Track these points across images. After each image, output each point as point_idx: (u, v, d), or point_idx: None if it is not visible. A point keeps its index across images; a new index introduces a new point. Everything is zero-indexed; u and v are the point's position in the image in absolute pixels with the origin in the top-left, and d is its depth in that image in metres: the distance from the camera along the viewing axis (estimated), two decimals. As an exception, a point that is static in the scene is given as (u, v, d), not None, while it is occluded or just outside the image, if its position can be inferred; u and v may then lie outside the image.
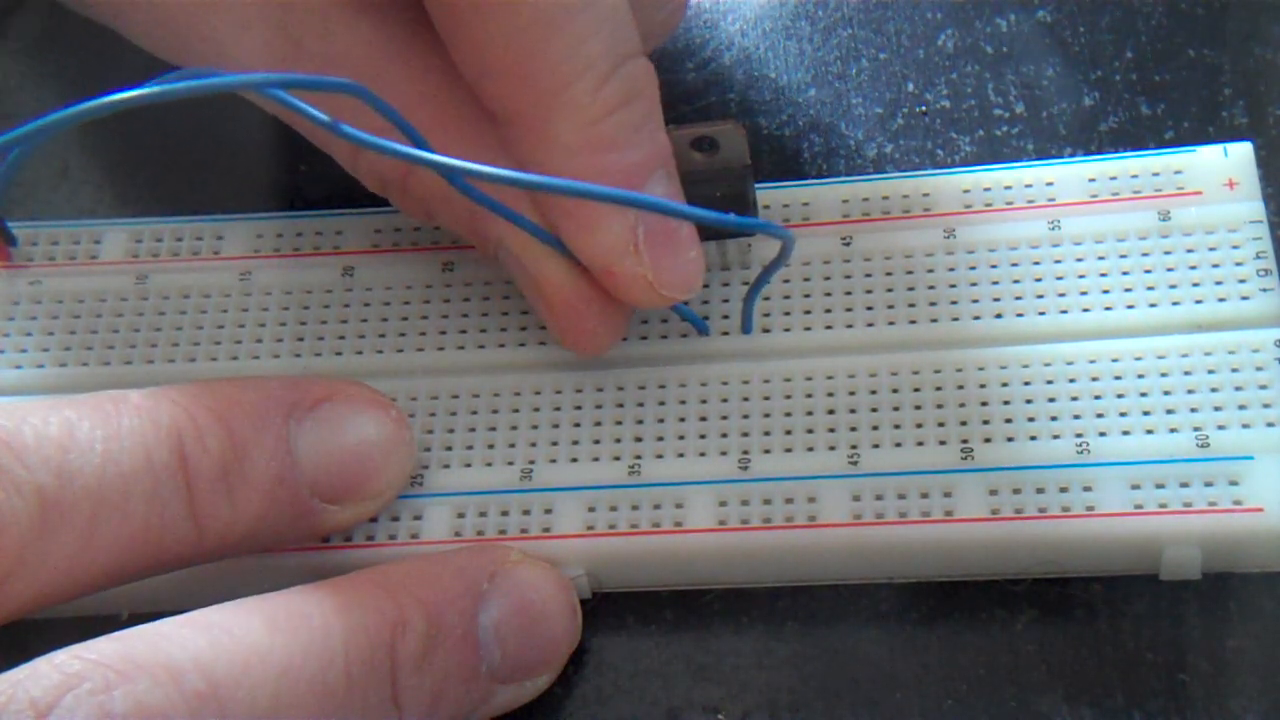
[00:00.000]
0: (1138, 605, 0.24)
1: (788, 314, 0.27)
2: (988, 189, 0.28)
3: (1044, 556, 0.24)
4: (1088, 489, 0.24)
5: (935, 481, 0.25)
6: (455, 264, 0.28)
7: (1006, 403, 0.25)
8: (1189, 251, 0.26)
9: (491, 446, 0.26)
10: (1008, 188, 0.28)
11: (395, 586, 0.23)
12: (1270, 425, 0.24)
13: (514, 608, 0.24)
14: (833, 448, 0.25)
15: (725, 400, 0.26)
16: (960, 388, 0.26)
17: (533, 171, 0.24)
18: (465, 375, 0.27)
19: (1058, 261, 0.27)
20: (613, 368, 0.27)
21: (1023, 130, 0.30)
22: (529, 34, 0.24)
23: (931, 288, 0.27)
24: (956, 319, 0.26)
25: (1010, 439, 0.25)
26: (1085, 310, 0.26)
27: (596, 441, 0.26)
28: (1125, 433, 0.25)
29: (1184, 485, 0.24)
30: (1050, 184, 0.27)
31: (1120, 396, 0.25)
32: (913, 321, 0.26)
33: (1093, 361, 0.25)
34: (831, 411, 0.26)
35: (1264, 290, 0.26)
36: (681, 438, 0.26)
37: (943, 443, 0.25)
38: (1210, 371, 0.25)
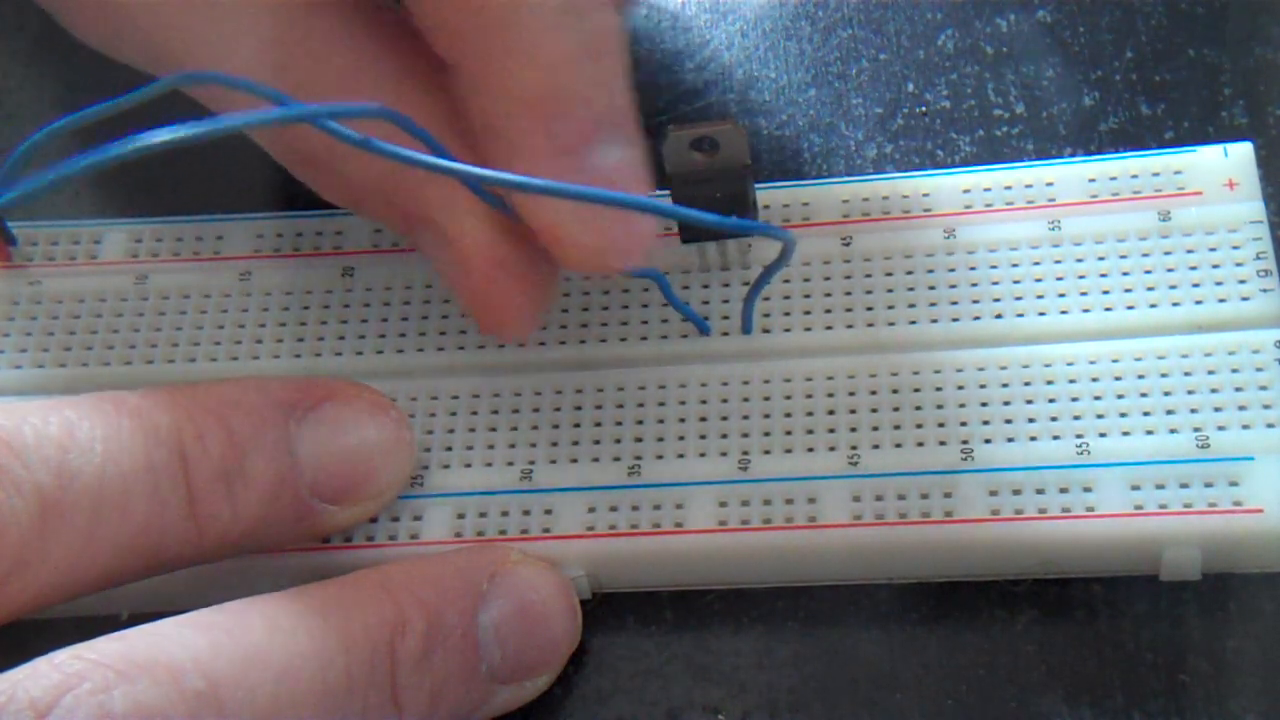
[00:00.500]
0: (1138, 605, 0.24)
1: (788, 314, 0.27)
2: (988, 189, 0.28)
3: (1044, 557, 0.24)
4: (1088, 489, 0.24)
5: (935, 481, 0.25)
6: (455, 264, 0.28)
7: (1006, 403, 0.25)
8: (1189, 252, 0.26)
9: (491, 446, 0.26)
10: (1008, 188, 0.28)
11: (395, 587, 0.23)
12: (1270, 426, 0.24)
13: (514, 608, 0.24)
14: (833, 448, 0.25)
15: (725, 400, 0.26)
16: (960, 388, 0.26)
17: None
18: (465, 375, 0.27)
19: (1058, 261, 0.27)
20: (613, 368, 0.27)
21: (1023, 130, 0.30)
22: None
23: (931, 288, 0.27)
24: (956, 319, 0.26)
25: (1010, 439, 0.25)
26: (1085, 310, 0.26)
27: (596, 441, 0.26)
28: (1125, 433, 0.25)
29: (1184, 486, 0.24)
30: (1050, 184, 0.27)
31: (1120, 397, 0.25)
32: (913, 321, 0.26)
33: (1093, 362, 0.25)
34: (831, 412, 0.26)
35: (1264, 290, 0.26)
36: (681, 438, 0.26)
37: (943, 443, 0.25)
38: (1210, 372, 0.25)
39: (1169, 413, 0.25)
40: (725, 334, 0.27)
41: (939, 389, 0.26)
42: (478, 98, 0.23)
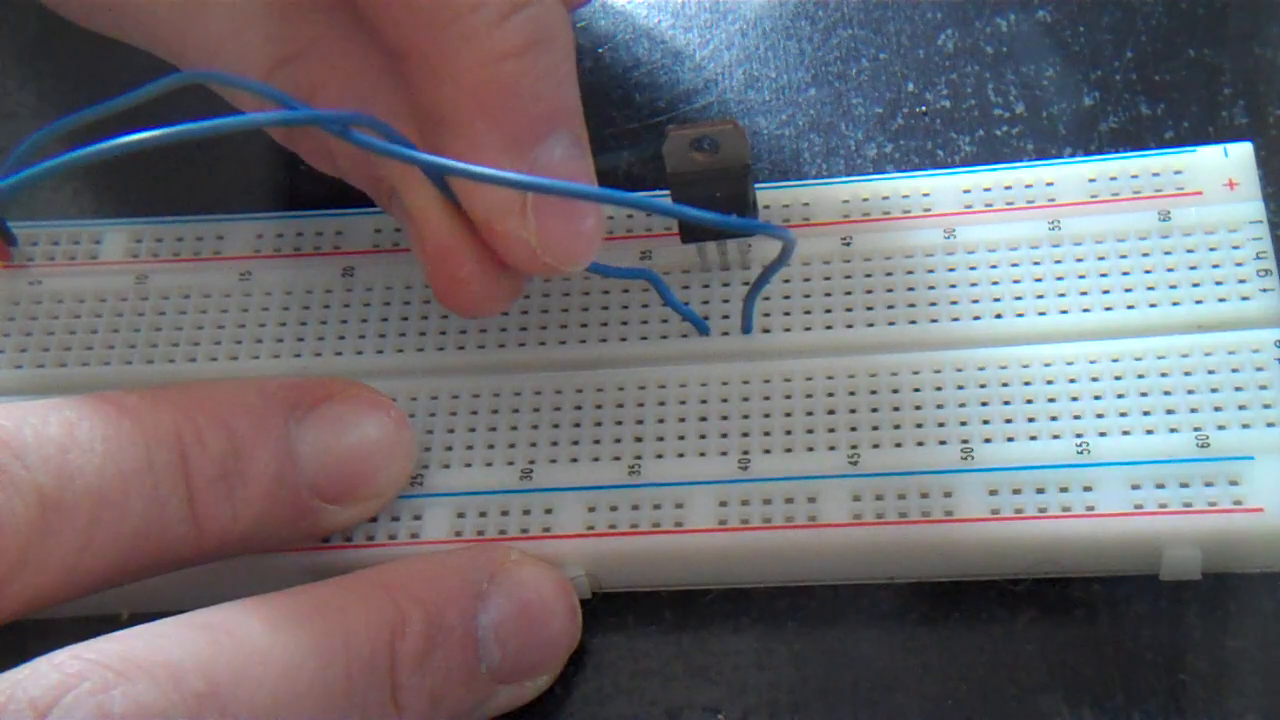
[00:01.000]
0: (1138, 605, 0.24)
1: (788, 314, 0.27)
2: (988, 189, 0.28)
3: (1044, 556, 0.24)
4: (1088, 489, 0.24)
5: (935, 481, 0.25)
6: (455, 264, 0.28)
7: (1006, 403, 0.25)
8: (1189, 252, 0.26)
9: (491, 446, 0.26)
10: (1008, 188, 0.28)
11: (395, 586, 0.23)
12: (1270, 425, 0.24)
13: (514, 608, 0.24)
14: (833, 448, 0.25)
15: (725, 400, 0.26)
16: (960, 388, 0.26)
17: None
18: (465, 375, 0.27)
19: (1058, 261, 0.27)
20: (613, 368, 0.27)
21: (1023, 130, 0.30)
22: None
23: (931, 288, 0.27)
24: (956, 319, 0.26)
25: (1010, 439, 0.25)
26: (1085, 310, 0.26)
27: (596, 441, 0.26)
28: (1125, 433, 0.25)
29: (1184, 485, 0.24)
30: (1050, 184, 0.27)
31: (1120, 396, 0.25)
32: (913, 321, 0.26)
33: (1093, 361, 0.25)
34: (831, 411, 0.26)
35: (1264, 290, 0.26)
36: (681, 438, 0.26)
37: (943, 443, 0.25)
38: (1210, 371, 0.25)
39: (1169, 412, 0.25)
40: (725, 334, 0.27)
41: (939, 389, 0.26)
42: (426, 89, 0.24)
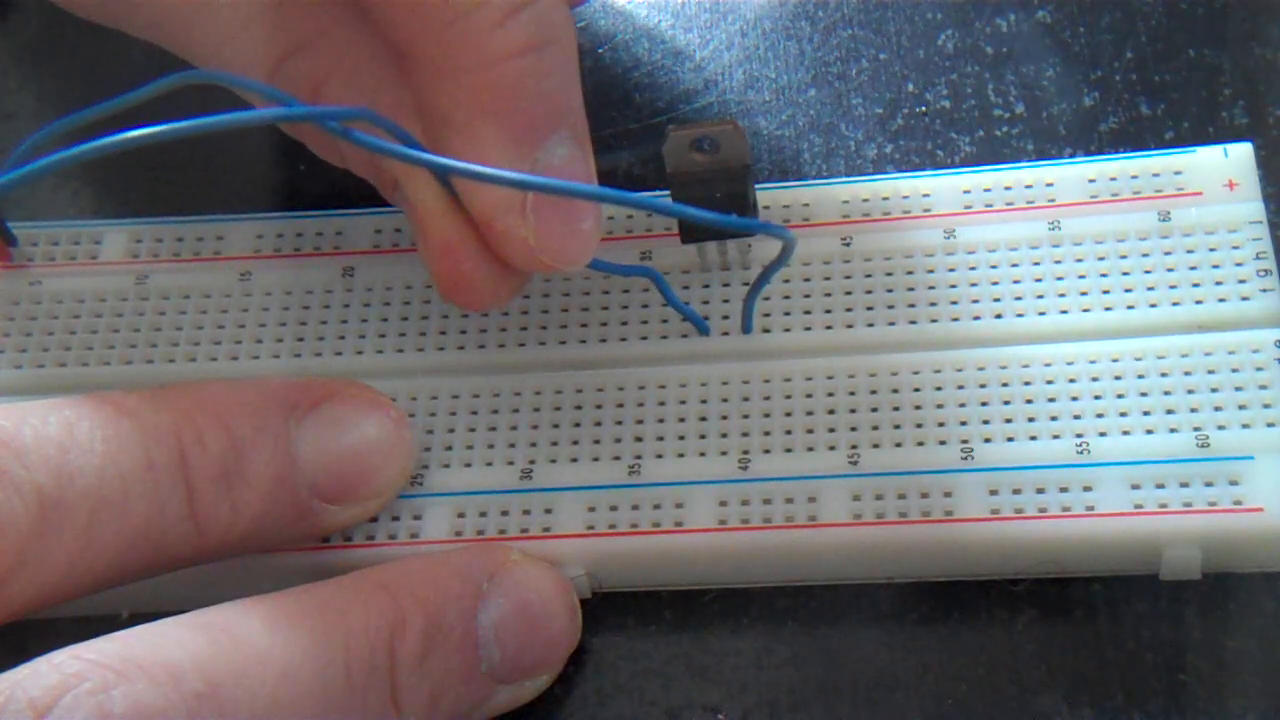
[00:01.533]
0: (1138, 605, 0.24)
1: (788, 314, 0.27)
2: (988, 189, 0.28)
3: (1044, 556, 0.24)
4: (1088, 489, 0.24)
5: (935, 481, 0.25)
6: (455, 264, 0.28)
7: (1006, 403, 0.25)
8: (1189, 252, 0.26)
9: (491, 446, 0.26)
10: (1008, 188, 0.28)
11: (395, 586, 0.23)
12: (1270, 425, 0.24)
13: (514, 608, 0.24)
14: (833, 448, 0.25)
15: (725, 400, 0.26)
16: (960, 388, 0.26)
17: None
18: (465, 375, 0.27)
19: (1058, 262, 0.27)
20: (613, 368, 0.27)
21: (1023, 130, 0.30)
22: None
23: (931, 288, 0.27)
24: (956, 319, 0.26)
25: (1010, 439, 0.25)
26: (1085, 310, 0.26)
27: (596, 441, 0.26)
28: (1125, 433, 0.25)
29: (1184, 485, 0.24)
30: (1050, 184, 0.27)
31: (1120, 396, 0.25)
32: (913, 321, 0.26)
33: (1093, 361, 0.25)
34: (831, 411, 0.26)
35: (1264, 290, 0.26)
36: (681, 438, 0.26)
37: (943, 443, 0.25)
38: (1210, 371, 0.25)
39: (1169, 412, 0.25)
40: (725, 334, 0.27)
41: (939, 389, 0.26)
42: (429, 88, 0.24)
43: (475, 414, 0.27)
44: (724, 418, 0.26)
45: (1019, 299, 0.26)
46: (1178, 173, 0.27)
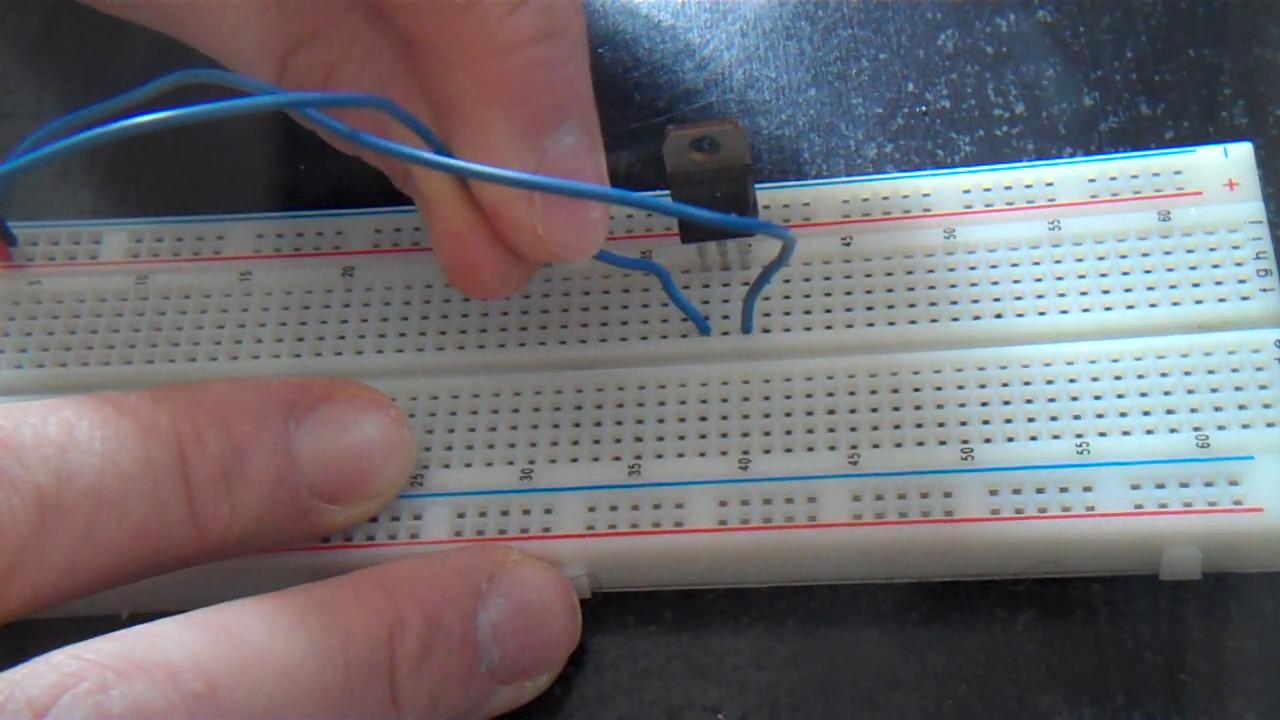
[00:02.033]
0: (1138, 605, 0.24)
1: (788, 314, 0.27)
2: (988, 189, 0.28)
3: (1044, 556, 0.24)
4: (1088, 489, 0.24)
5: (935, 481, 0.25)
6: (455, 264, 0.28)
7: (1006, 403, 0.25)
8: (1189, 252, 0.26)
9: (491, 446, 0.26)
10: (1008, 188, 0.28)
11: (394, 586, 0.23)
12: (1270, 425, 0.24)
13: (513, 608, 0.24)
14: (833, 448, 0.25)
15: (725, 400, 0.26)
16: (960, 388, 0.26)
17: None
18: (465, 375, 0.27)
19: (1058, 261, 0.27)
20: (613, 368, 0.27)
21: (1023, 130, 0.30)
22: None
23: (931, 288, 0.27)
24: (956, 319, 0.26)
25: (1010, 439, 0.25)
26: (1085, 310, 0.26)
27: (596, 441, 0.26)
28: (1125, 433, 0.25)
29: (1184, 485, 0.24)
30: (1050, 184, 0.27)
31: (1120, 396, 0.25)
32: (913, 321, 0.26)
33: (1093, 361, 0.25)
34: (831, 411, 0.26)
35: (1264, 290, 0.26)
36: (681, 438, 0.26)
37: (943, 443, 0.25)
38: (1210, 371, 0.25)
39: (1169, 412, 0.25)
40: (725, 334, 0.27)
41: (939, 389, 0.26)
42: (438, 77, 0.24)
43: (475, 414, 0.27)
44: (724, 418, 0.26)
45: (1019, 299, 0.26)
46: (1178, 172, 0.27)
